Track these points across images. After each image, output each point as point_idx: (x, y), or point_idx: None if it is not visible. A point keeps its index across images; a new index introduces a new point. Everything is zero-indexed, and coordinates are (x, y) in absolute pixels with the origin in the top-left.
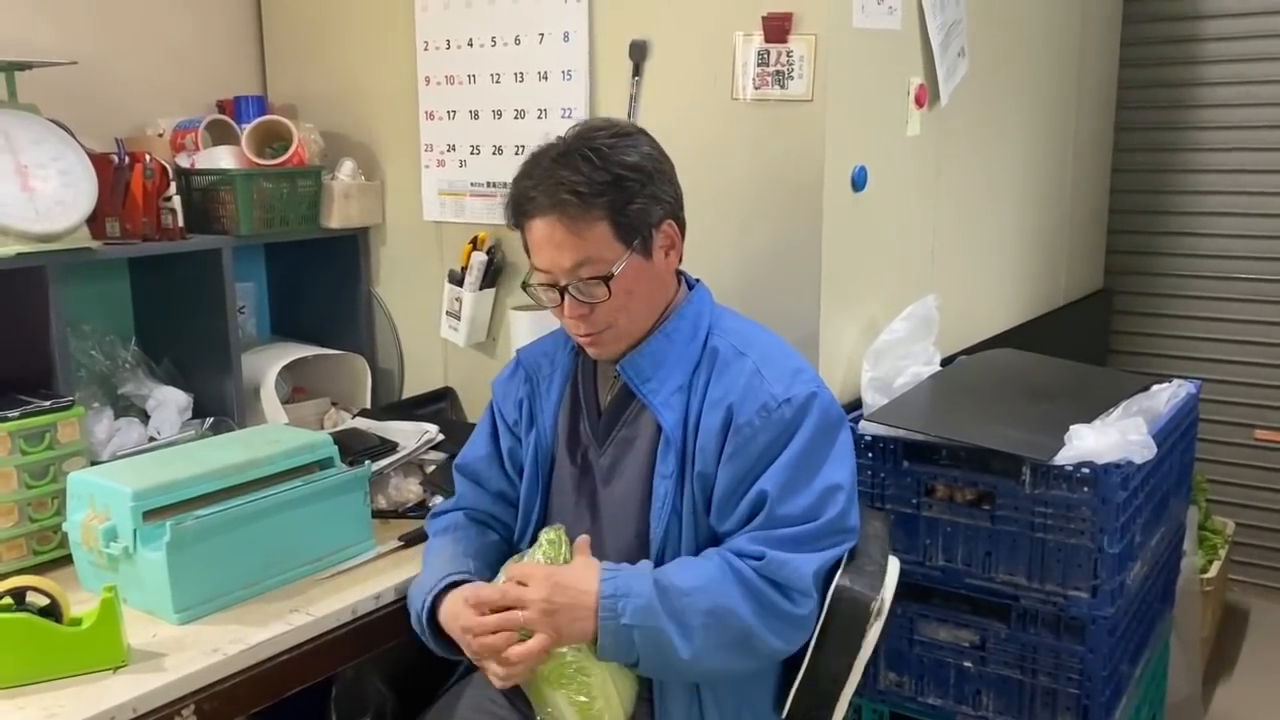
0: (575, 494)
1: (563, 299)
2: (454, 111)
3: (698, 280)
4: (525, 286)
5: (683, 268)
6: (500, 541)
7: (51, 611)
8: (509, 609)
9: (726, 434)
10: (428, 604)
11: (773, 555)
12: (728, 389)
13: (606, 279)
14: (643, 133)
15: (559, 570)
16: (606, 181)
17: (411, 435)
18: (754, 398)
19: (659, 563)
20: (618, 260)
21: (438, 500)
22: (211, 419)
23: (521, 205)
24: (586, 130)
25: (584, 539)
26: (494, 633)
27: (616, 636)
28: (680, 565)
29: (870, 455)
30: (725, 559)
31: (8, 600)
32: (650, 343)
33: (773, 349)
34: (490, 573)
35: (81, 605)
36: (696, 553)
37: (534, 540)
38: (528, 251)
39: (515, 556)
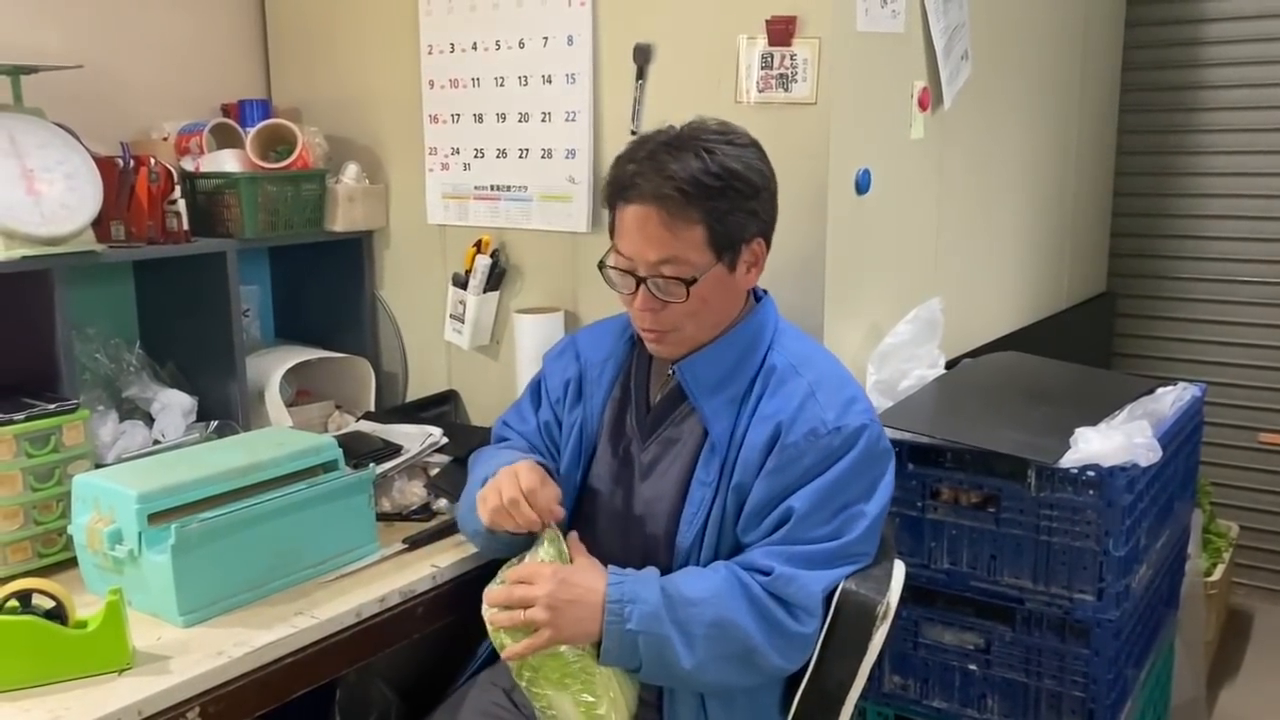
0: (612, 484)
1: (637, 289)
2: (458, 115)
3: (765, 292)
4: (601, 267)
5: None
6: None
7: (57, 614)
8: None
9: (771, 449)
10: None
11: (781, 571)
12: (780, 407)
13: (688, 282)
14: (757, 145)
15: (564, 568)
16: (713, 186)
17: (415, 438)
18: (805, 420)
19: (679, 568)
20: (703, 267)
21: (441, 503)
22: (216, 422)
23: (622, 188)
24: (702, 128)
25: (574, 534)
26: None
27: (620, 641)
28: (688, 575)
29: None
30: (733, 572)
31: (14, 603)
32: (711, 350)
33: (830, 373)
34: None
35: (86, 608)
36: (716, 560)
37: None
38: (612, 232)
39: (514, 560)
